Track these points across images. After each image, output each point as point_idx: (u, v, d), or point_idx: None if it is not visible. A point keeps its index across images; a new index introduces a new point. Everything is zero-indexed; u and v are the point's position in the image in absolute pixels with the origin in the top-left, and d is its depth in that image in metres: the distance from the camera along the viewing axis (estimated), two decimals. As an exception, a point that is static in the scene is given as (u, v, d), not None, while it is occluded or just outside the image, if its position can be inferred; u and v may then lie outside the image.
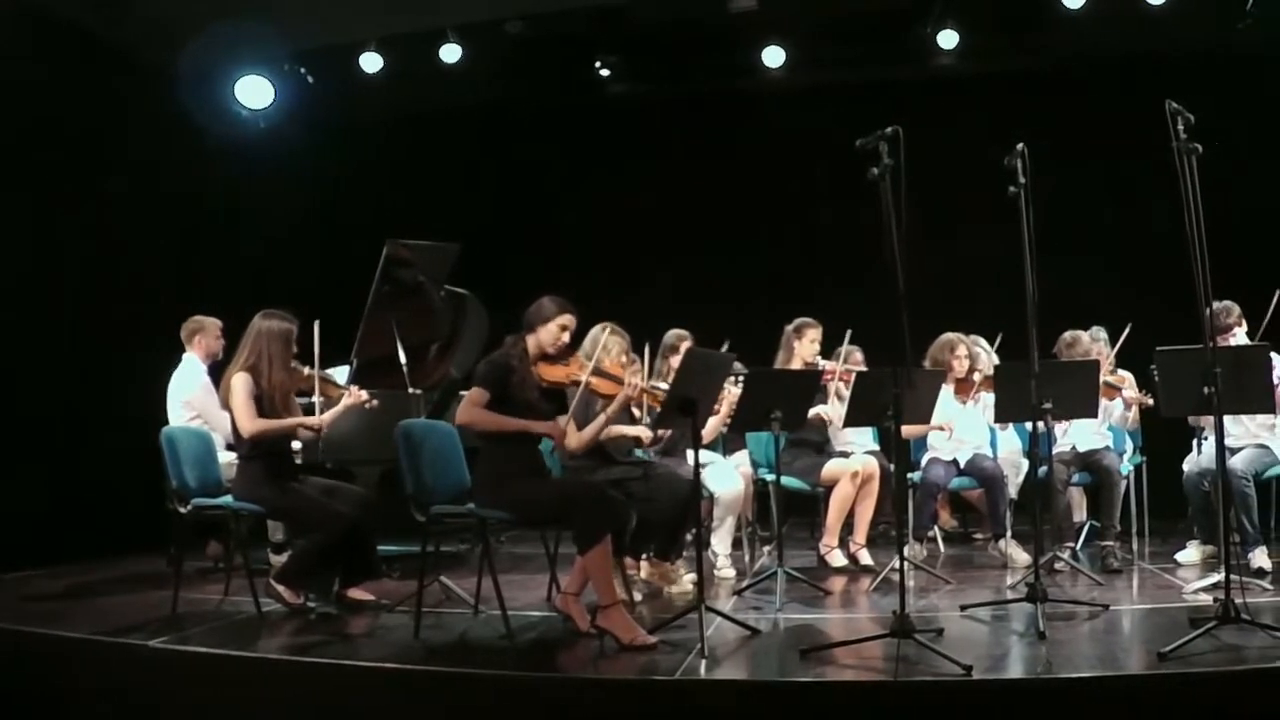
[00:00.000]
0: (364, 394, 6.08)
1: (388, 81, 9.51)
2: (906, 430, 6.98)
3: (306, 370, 5.95)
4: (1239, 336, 6.58)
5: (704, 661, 4.49)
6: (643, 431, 6.03)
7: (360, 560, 5.79)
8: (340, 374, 6.88)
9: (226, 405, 5.70)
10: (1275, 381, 5.91)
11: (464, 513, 5.28)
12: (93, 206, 8.10)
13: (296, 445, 6.15)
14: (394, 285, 7.27)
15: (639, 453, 6.26)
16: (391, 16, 8.93)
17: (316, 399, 5.96)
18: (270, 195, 9.08)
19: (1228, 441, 6.23)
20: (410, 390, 7.04)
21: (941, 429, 7.08)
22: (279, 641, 5.15)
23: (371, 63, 9.45)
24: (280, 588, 5.71)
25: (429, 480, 5.41)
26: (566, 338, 5.33)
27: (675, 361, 6.15)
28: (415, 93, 9.68)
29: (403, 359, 7.14)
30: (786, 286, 9.00)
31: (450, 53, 9.36)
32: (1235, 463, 6.36)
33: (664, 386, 5.54)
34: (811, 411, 6.79)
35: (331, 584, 5.80)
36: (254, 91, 9.23)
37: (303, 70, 9.52)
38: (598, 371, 5.40)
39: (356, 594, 5.89)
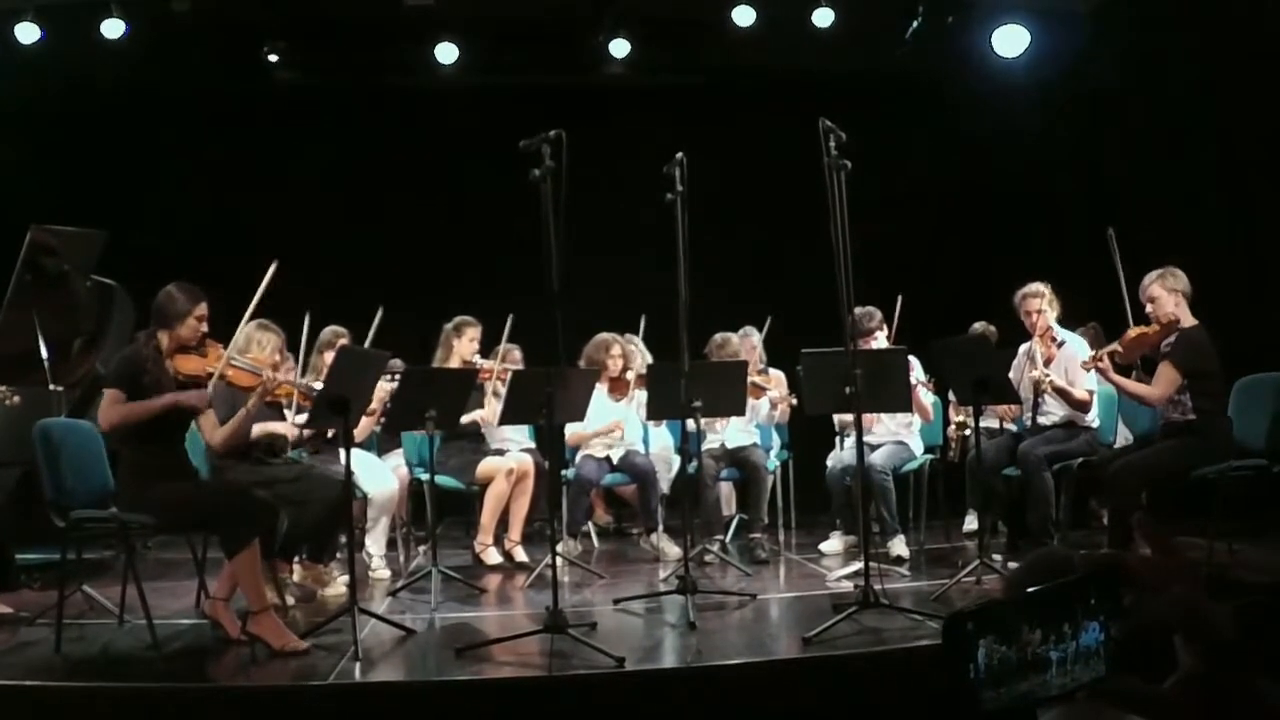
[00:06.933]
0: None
1: (45, 55, 8.84)
2: (576, 438, 7.21)
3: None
4: (880, 340, 7.02)
5: (358, 664, 4.46)
6: (288, 429, 5.88)
7: (-5, 570, 5.43)
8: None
9: None
10: (913, 383, 6.40)
11: (106, 517, 5.02)
12: None
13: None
14: (37, 274, 6.84)
15: (292, 454, 6.11)
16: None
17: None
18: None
19: (868, 439, 6.68)
20: (51, 387, 6.64)
21: (609, 435, 7.31)
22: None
23: (28, 33, 8.76)
24: (-92, 604, 5.29)
25: (70, 483, 5.12)
26: (205, 327, 5.12)
27: (329, 358, 6.03)
28: (75, 69, 9.05)
29: (44, 353, 6.71)
30: (448, 284, 8.96)
31: (113, 28, 8.79)
32: (875, 458, 6.82)
33: (319, 386, 5.42)
34: (467, 417, 6.85)
35: (-36, 598, 5.42)
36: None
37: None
38: (235, 362, 5.20)
39: (-8, 607, 5.50)
